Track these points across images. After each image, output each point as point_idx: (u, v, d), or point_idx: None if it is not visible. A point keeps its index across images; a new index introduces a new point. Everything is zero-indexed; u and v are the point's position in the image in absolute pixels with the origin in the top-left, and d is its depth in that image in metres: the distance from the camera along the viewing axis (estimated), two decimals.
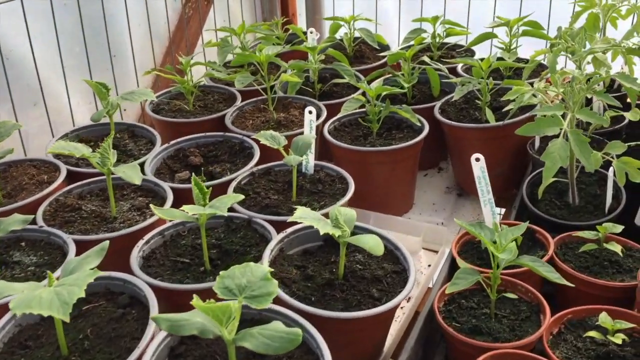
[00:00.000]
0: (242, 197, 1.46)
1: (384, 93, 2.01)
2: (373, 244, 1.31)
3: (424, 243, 1.91)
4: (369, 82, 2.34)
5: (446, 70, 2.20)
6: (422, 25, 2.56)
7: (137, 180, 1.54)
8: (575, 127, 1.57)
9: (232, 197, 1.44)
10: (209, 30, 2.84)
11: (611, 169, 1.54)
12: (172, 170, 1.91)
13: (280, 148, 1.65)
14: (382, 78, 2.35)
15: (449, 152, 2.15)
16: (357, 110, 2.10)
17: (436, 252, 1.88)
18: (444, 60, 2.55)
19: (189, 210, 1.31)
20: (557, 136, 1.45)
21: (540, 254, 1.50)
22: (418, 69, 2.25)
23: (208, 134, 2.03)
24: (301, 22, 3.50)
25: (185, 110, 2.25)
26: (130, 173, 1.54)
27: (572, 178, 1.64)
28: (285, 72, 2.22)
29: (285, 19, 2.86)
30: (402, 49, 2.59)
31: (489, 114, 1.93)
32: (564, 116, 1.49)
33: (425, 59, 2.22)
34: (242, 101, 2.26)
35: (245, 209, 1.64)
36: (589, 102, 2.02)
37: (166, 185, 1.73)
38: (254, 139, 1.91)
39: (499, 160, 1.99)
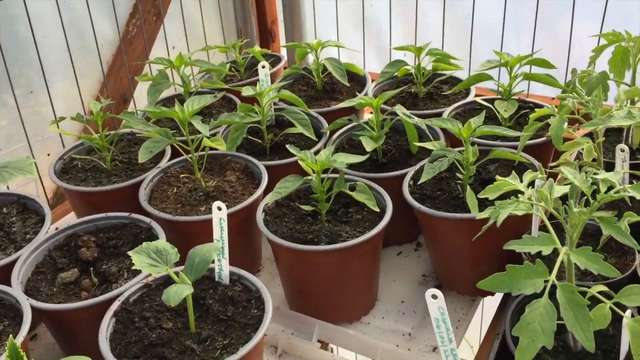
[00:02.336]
0: None
1: (333, 166, 1.54)
2: None
3: None
4: (332, 133, 1.88)
5: (424, 125, 1.71)
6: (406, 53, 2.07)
7: None
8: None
9: None
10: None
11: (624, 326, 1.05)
12: (57, 268, 1.49)
13: (168, 270, 1.20)
14: (349, 127, 1.88)
15: (423, 234, 1.68)
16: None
17: None
18: (433, 98, 2.06)
19: None
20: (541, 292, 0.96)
21: None
22: (390, 121, 1.77)
23: (110, 214, 1.59)
24: (282, 30, 3.02)
25: (101, 169, 1.82)
26: None
27: None
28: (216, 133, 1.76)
29: (244, 40, 2.38)
30: (377, 84, 2.11)
31: (470, 199, 1.45)
32: (555, 253, 1.01)
33: (399, 109, 1.73)
34: (172, 156, 1.82)
35: (119, 351, 1.21)
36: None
37: (27, 304, 1.31)
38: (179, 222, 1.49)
39: (484, 257, 1.51)
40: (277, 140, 1.89)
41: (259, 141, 1.90)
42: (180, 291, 1.14)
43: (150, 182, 1.71)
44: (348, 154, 1.60)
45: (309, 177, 1.57)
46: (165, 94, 2.11)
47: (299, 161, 1.55)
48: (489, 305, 1.68)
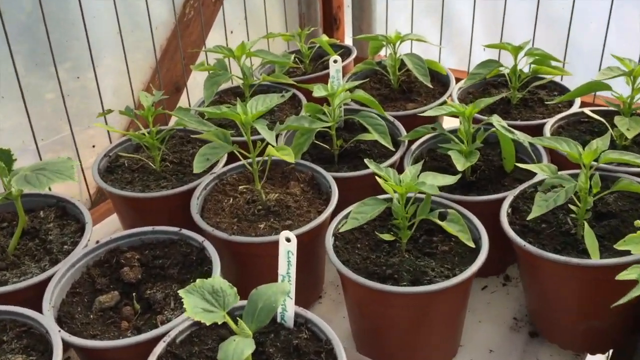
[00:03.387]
0: None
1: (421, 189, 1.29)
2: None
3: None
4: (410, 143, 1.63)
5: (526, 143, 1.44)
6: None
7: None
8: None
9: None
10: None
11: None
12: (95, 289, 1.30)
13: (225, 318, 0.98)
14: (430, 136, 1.63)
15: (520, 271, 1.42)
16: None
17: None
18: (528, 105, 1.79)
19: None
20: None
21: None
22: (482, 132, 1.51)
23: (158, 228, 1.38)
24: (348, 14, 2.76)
25: (150, 169, 1.62)
26: None
27: None
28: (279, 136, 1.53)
29: (311, 29, 2.14)
30: (462, 87, 1.84)
31: (590, 241, 1.18)
32: None
33: (496, 120, 1.47)
34: (227, 161, 1.60)
35: None
36: None
37: (59, 338, 1.12)
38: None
39: (596, 309, 1.25)
40: (348, 147, 1.66)
41: (326, 146, 1.66)
42: (240, 349, 0.92)
43: (204, 190, 1.50)
44: (436, 174, 1.34)
45: (389, 196, 1.34)
46: (222, 85, 1.89)
47: (379, 180, 1.31)
48: None
